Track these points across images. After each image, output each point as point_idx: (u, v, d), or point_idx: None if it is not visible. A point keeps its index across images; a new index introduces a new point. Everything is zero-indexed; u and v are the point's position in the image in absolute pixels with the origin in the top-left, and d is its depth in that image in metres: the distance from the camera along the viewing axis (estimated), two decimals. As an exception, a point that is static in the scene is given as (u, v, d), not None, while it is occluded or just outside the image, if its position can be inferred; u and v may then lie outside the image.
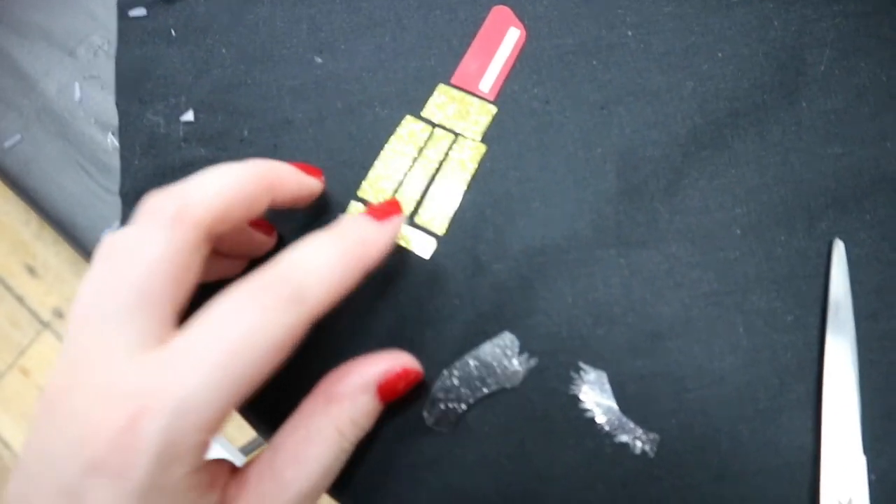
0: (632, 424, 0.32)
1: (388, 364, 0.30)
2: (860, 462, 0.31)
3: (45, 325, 1.20)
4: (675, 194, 0.35)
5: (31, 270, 1.21)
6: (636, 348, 0.33)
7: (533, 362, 0.33)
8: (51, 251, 1.22)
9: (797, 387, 0.33)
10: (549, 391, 0.33)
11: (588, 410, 0.33)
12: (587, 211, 0.35)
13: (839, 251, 0.34)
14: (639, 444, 0.32)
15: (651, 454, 0.32)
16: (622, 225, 0.35)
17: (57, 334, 1.19)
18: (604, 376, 0.33)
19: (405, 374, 0.31)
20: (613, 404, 0.33)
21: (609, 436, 0.32)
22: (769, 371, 0.33)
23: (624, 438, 0.32)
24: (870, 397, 0.32)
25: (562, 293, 0.34)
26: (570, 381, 0.33)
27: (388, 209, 0.31)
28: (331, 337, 0.34)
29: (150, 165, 0.38)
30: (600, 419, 0.32)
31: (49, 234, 1.23)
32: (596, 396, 0.33)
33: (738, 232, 0.35)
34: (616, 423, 0.32)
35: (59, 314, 1.20)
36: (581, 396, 0.33)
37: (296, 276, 0.26)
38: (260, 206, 0.29)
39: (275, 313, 0.24)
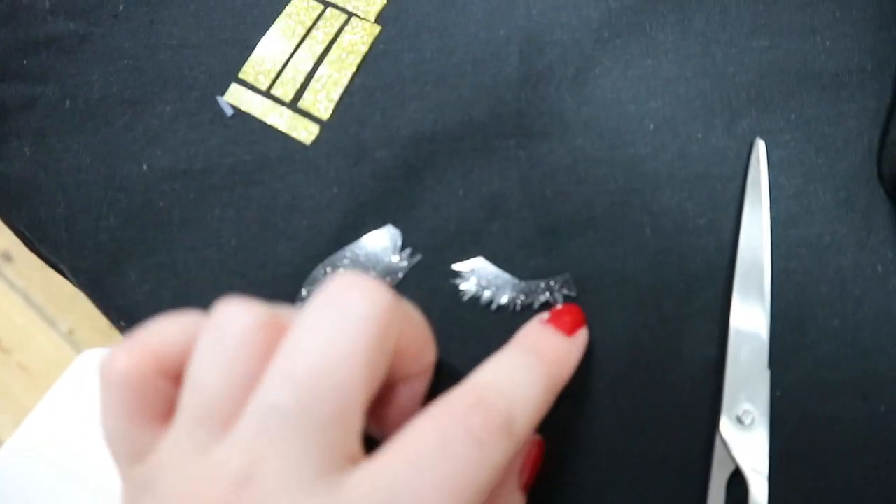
0: (538, 284, 0.29)
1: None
2: (764, 376, 0.29)
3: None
4: (584, 83, 0.32)
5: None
6: (532, 246, 0.30)
7: (416, 258, 0.30)
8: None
9: (705, 294, 0.30)
10: (431, 289, 0.30)
11: (475, 297, 0.30)
12: (485, 96, 0.32)
13: (759, 151, 0.31)
14: (556, 294, 0.29)
15: (560, 300, 0.29)
16: (523, 113, 0.32)
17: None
18: (483, 261, 0.30)
19: (538, 454, 0.27)
20: (507, 276, 0.30)
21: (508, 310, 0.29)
22: (676, 276, 0.30)
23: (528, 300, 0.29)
24: (781, 308, 0.29)
25: (452, 184, 0.31)
26: (454, 277, 0.30)
27: (574, 319, 0.27)
28: (197, 231, 0.31)
29: (11, 37, 0.34)
30: (496, 297, 0.29)
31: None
32: (482, 281, 0.29)
33: (651, 126, 0.32)
34: (515, 292, 0.29)
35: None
36: (463, 288, 0.30)
37: (501, 404, 0.20)
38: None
39: (490, 449, 0.19)
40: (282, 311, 0.20)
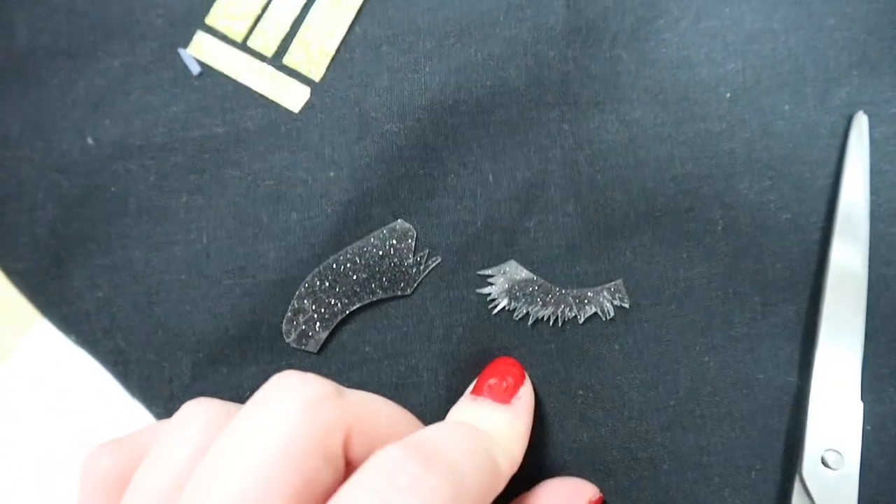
0: (585, 293, 0.24)
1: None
2: (855, 410, 0.24)
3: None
4: (646, 38, 0.26)
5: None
6: (577, 247, 0.25)
7: (435, 261, 0.25)
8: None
9: (784, 308, 0.25)
10: (452, 300, 0.25)
11: (506, 310, 0.24)
12: (522, 54, 0.26)
13: (861, 129, 0.26)
14: (606, 305, 0.24)
15: (611, 312, 0.24)
16: (569, 77, 0.26)
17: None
18: (517, 266, 0.25)
19: None
20: (546, 283, 0.24)
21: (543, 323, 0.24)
22: (750, 286, 0.25)
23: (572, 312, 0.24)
24: (877, 327, 0.25)
25: (479, 168, 0.25)
26: (481, 285, 0.25)
27: (510, 385, 0.23)
28: (159, 223, 0.25)
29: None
30: (532, 309, 0.24)
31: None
32: (515, 289, 0.24)
33: (728, 95, 0.26)
34: (556, 304, 0.24)
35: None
36: (493, 298, 0.24)
37: (442, 459, 0.18)
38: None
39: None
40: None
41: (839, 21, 0.27)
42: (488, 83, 0.26)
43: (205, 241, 0.26)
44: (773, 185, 0.26)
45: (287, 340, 0.25)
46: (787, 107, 0.26)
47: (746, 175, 0.26)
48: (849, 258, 0.25)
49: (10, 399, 0.26)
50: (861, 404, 0.24)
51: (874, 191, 0.25)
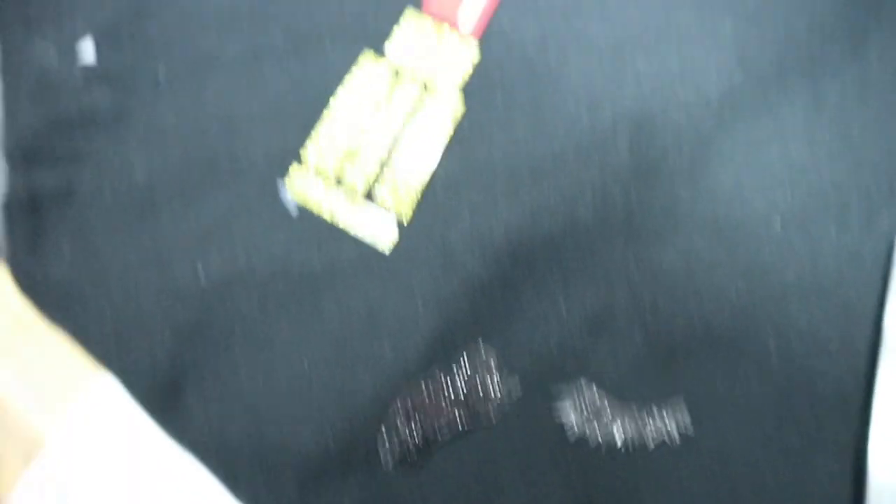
0: (651, 409, 0.27)
1: None
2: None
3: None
4: (702, 174, 0.29)
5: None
6: (642, 368, 0.28)
7: (514, 382, 0.28)
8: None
9: (838, 428, 0.27)
10: (530, 422, 0.27)
11: (582, 437, 0.27)
12: (590, 192, 0.29)
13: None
14: (672, 427, 0.27)
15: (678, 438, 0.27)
16: (633, 211, 0.28)
17: None
18: (588, 386, 0.27)
19: None
20: (615, 402, 0.27)
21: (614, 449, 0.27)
22: (804, 404, 0.27)
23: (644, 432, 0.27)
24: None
25: (552, 297, 0.28)
26: (557, 411, 0.27)
27: None
28: (264, 350, 0.28)
29: (40, 115, 0.31)
30: (603, 433, 0.27)
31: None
32: (587, 409, 0.27)
33: (778, 224, 0.28)
34: (625, 424, 0.27)
35: None
36: (566, 418, 0.27)
37: None
38: None
39: None
40: None
41: (879, 151, 0.29)
42: (559, 219, 0.29)
43: (305, 367, 0.29)
44: (822, 309, 0.28)
45: (386, 467, 0.28)
46: (833, 234, 0.29)
47: (797, 300, 0.28)
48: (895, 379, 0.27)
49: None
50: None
51: None
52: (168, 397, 0.29)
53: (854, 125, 0.29)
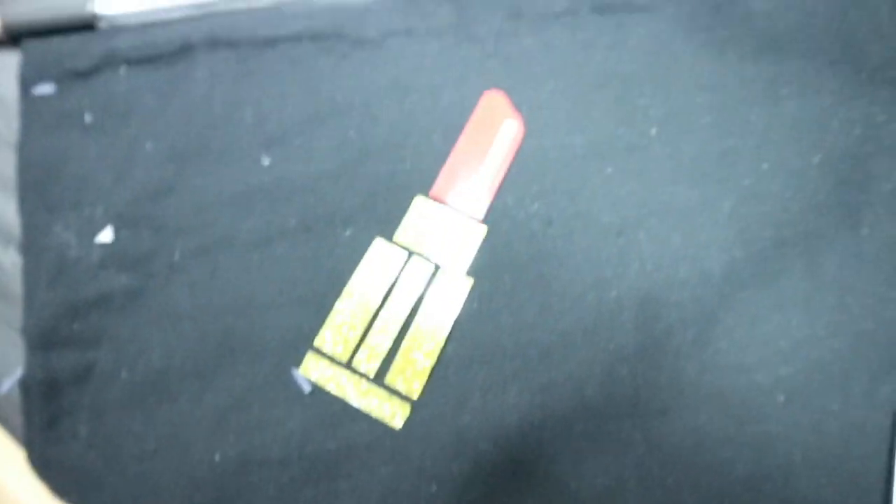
0: None
1: None
2: None
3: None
4: (706, 347, 0.34)
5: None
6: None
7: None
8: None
9: None
10: None
11: None
12: (598, 373, 0.33)
13: (907, 424, 0.33)
14: None
15: None
16: (639, 389, 0.33)
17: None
18: None
19: None
20: None
21: None
22: (815, 580, 0.31)
23: None
24: None
25: (563, 477, 0.33)
26: None
27: None
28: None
29: (58, 298, 0.36)
30: None
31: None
32: None
33: (782, 398, 0.33)
34: None
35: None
36: None
37: None
38: None
39: None
40: None
41: (877, 323, 0.34)
42: (568, 399, 0.33)
43: (322, 550, 0.33)
44: (829, 482, 0.33)
45: None
46: (836, 406, 0.33)
47: (804, 472, 0.33)
48: None
49: None
50: None
51: None
52: None
53: (851, 297, 0.34)
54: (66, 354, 0.36)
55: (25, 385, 0.36)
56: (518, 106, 0.37)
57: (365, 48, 0.39)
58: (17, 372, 0.36)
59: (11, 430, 0.36)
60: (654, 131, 0.37)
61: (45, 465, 0.35)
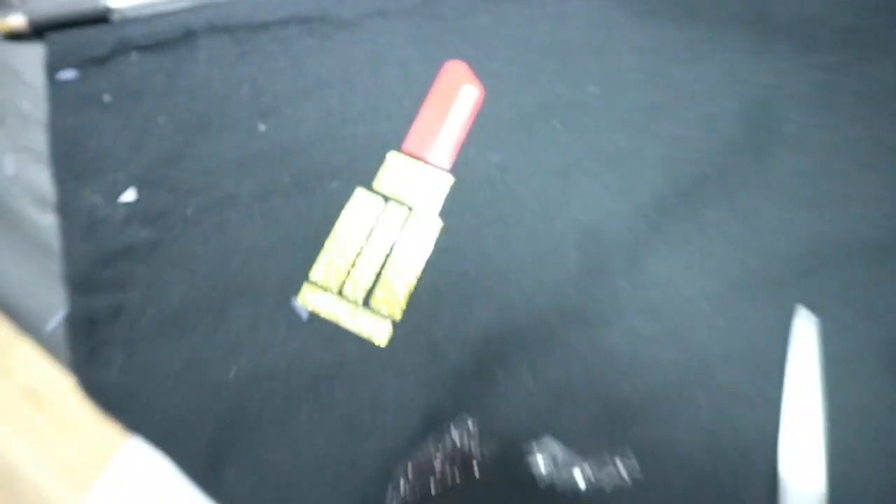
0: (603, 456, 0.42)
1: None
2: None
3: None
4: (639, 268, 0.45)
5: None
6: (596, 427, 0.43)
7: (492, 446, 0.43)
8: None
9: (760, 465, 0.42)
10: (507, 477, 0.43)
11: (550, 484, 0.42)
12: (548, 292, 0.45)
13: (805, 321, 0.44)
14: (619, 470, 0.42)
15: (630, 479, 0.42)
16: (584, 304, 0.44)
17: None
18: (553, 442, 0.43)
19: None
20: (575, 455, 0.42)
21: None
22: (731, 447, 0.43)
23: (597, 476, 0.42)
24: (836, 480, 0.42)
25: (521, 377, 0.44)
26: (529, 464, 0.43)
27: None
28: (287, 432, 0.44)
29: (91, 250, 0.47)
30: (566, 479, 0.42)
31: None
32: (553, 461, 0.42)
33: (704, 306, 0.44)
34: (584, 469, 0.42)
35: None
36: (535, 469, 0.42)
37: None
38: None
39: None
40: None
41: (784, 243, 0.45)
42: (524, 315, 0.45)
43: (323, 443, 0.44)
44: (743, 370, 0.44)
45: (388, 517, 0.43)
46: (748, 310, 0.45)
47: (721, 365, 0.44)
48: (804, 423, 0.43)
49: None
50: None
51: (822, 368, 0.44)
52: (212, 474, 0.44)
53: (762, 222, 0.45)
54: (100, 297, 0.47)
55: (69, 322, 0.47)
56: (477, 73, 0.49)
57: (344, 29, 0.51)
58: (61, 313, 0.48)
59: (61, 360, 0.48)
60: (593, 90, 0.48)
61: (91, 388, 0.46)
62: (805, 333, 0.44)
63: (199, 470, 0.44)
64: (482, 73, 0.49)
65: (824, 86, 0.47)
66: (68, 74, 0.50)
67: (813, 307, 0.44)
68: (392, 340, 0.45)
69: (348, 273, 0.46)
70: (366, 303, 0.45)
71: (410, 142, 0.48)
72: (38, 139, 0.50)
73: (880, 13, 0.47)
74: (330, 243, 0.46)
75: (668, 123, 0.47)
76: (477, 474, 0.43)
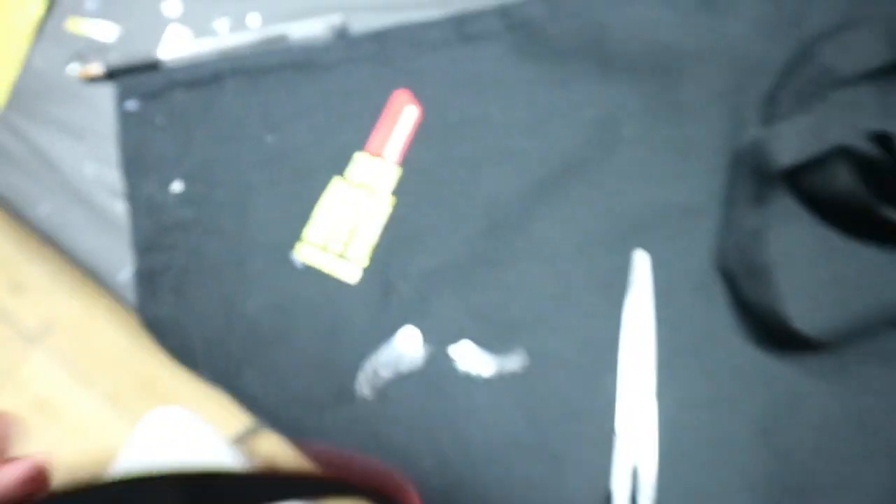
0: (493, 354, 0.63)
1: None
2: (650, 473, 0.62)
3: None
4: (527, 228, 0.66)
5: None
6: (501, 336, 0.64)
7: (430, 349, 0.64)
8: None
9: (607, 379, 0.63)
10: (440, 370, 0.64)
11: (465, 372, 0.63)
12: (466, 243, 0.66)
13: (642, 262, 0.65)
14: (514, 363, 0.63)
15: (521, 369, 0.63)
16: (490, 252, 0.66)
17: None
18: (469, 343, 0.64)
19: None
20: (487, 355, 0.64)
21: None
22: (589, 350, 0.64)
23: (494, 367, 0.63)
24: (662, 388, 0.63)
25: (448, 301, 0.65)
26: (452, 360, 0.64)
27: None
28: (288, 344, 0.65)
29: (151, 224, 0.69)
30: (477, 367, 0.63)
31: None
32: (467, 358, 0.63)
33: (572, 252, 0.66)
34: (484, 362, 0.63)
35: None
36: (456, 366, 0.64)
37: None
38: None
39: None
40: None
41: (626, 208, 0.67)
42: (450, 259, 0.66)
43: (310, 352, 0.65)
44: (598, 300, 0.66)
45: (359, 394, 0.64)
46: (603, 255, 0.66)
47: (584, 294, 0.66)
48: (639, 351, 0.64)
49: None
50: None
51: (658, 305, 0.65)
52: (235, 378, 0.65)
53: (612, 195, 0.67)
54: (157, 256, 0.68)
55: (136, 275, 0.68)
56: (417, 98, 0.71)
57: (325, 70, 0.72)
58: (129, 268, 0.69)
59: (128, 304, 0.69)
60: (496, 107, 0.70)
61: (150, 324, 0.68)
62: (641, 266, 0.65)
63: (225, 376, 0.65)
64: (420, 97, 0.70)
65: (649, 102, 0.68)
66: (132, 105, 0.72)
67: (647, 249, 0.65)
68: (361, 280, 0.66)
69: (330, 235, 0.67)
70: (343, 255, 0.67)
71: (371, 145, 0.69)
72: (110, 150, 0.72)
73: (684, 54, 0.69)
74: (316, 212, 0.68)
75: (546, 130, 0.68)
76: (420, 366, 0.64)
